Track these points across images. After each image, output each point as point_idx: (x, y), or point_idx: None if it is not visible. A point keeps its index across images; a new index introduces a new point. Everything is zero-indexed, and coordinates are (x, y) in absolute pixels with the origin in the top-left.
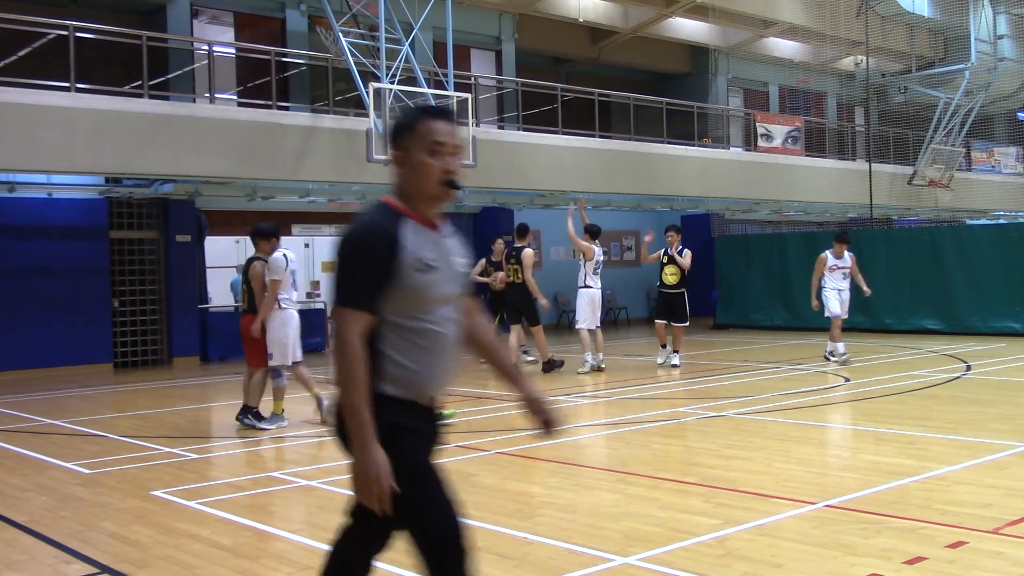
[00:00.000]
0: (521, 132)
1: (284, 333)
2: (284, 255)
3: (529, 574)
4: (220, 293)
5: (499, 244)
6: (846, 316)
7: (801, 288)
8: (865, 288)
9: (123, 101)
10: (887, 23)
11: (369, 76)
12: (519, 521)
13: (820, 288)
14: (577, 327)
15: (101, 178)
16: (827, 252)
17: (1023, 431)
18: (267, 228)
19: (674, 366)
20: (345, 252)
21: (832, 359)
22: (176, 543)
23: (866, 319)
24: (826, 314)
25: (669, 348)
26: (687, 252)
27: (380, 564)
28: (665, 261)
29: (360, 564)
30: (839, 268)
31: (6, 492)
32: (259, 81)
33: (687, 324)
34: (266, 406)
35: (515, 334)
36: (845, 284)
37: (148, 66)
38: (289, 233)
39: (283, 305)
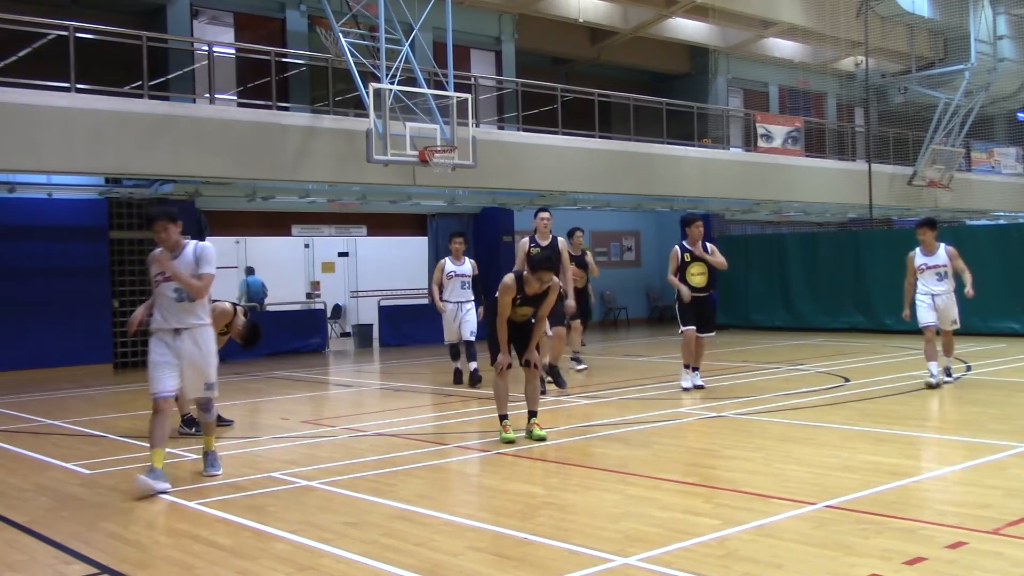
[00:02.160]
0: (521, 132)
1: (215, 352)
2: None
3: (529, 574)
4: (220, 293)
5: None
6: (955, 325)
7: (801, 288)
8: (968, 287)
9: (123, 101)
10: (887, 23)
11: (369, 76)
12: (519, 521)
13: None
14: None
15: (101, 178)
16: (916, 249)
17: (1023, 431)
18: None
19: (700, 387)
20: None
21: (932, 381)
22: (176, 543)
23: (866, 319)
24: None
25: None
26: (712, 247)
27: (378, 564)
28: (688, 260)
29: None
30: (930, 268)
31: (6, 492)
32: (259, 81)
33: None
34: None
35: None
36: (942, 287)
37: (148, 66)
38: (289, 233)
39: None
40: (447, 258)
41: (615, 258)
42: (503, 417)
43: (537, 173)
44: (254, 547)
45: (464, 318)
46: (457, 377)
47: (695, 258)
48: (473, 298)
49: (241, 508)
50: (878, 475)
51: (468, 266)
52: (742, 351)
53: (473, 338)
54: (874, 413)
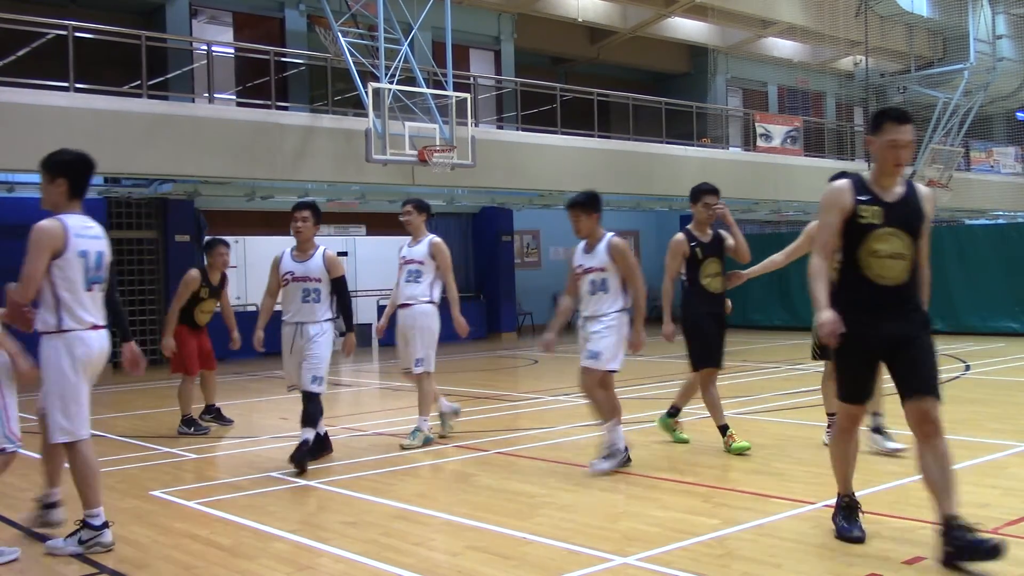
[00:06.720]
0: (520, 132)
1: None
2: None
3: (529, 574)
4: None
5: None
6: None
7: (799, 288)
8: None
9: (122, 101)
10: (886, 23)
11: (368, 76)
12: (519, 521)
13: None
14: (427, 370)
15: (100, 178)
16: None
17: (1022, 431)
18: None
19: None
20: None
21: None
22: (176, 543)
23: None
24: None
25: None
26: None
27: (377, 563)
28: None
29: None
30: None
31: (6, 492)
32: (258, 81)
33: None
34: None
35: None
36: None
37: (147, 66)
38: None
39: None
40: (286, 250)
41: None
42: (724, 428)
43: (536, 173)
44: (254, 547)
45: (307, 350)
46: (300, 453)
47: None
48: (328, 317)
49: (241, 508)
50: (878, 475)
51: (319, 262)
52: (741, 351)
53: (317, 388)
54: None
